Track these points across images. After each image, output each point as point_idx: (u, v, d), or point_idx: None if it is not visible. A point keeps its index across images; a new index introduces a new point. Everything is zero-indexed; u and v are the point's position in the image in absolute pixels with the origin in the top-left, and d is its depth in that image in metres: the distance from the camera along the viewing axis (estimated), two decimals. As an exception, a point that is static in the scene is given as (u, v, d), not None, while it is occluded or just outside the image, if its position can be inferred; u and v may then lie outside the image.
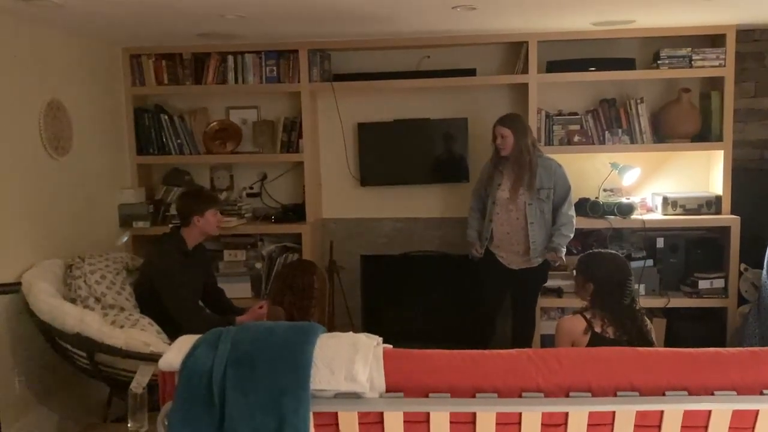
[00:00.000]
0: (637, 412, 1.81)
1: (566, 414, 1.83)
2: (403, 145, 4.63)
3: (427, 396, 1.84)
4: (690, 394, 1.81)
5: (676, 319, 4.35)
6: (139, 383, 2.96)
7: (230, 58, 4.48)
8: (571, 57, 4.35)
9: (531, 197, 3.83)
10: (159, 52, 4.49)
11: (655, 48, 4.30)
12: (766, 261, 3.92)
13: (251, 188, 4.82)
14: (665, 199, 4.32)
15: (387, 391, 1.85)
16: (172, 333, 3.40)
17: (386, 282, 4.86)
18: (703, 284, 4.27)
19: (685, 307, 4.32)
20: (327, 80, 4.51)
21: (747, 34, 4.37)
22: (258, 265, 4.63)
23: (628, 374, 1.84)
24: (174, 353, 1.88)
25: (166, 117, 4.60)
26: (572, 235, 3.91)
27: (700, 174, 4.51)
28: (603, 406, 1.81)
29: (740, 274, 4.23)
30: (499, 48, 4.54)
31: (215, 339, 1.88)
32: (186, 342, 1.92)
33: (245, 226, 4.55)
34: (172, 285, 3.46)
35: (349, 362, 1.84)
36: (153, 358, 2.93)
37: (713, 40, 4.29)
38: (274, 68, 4.47)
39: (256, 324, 1.96)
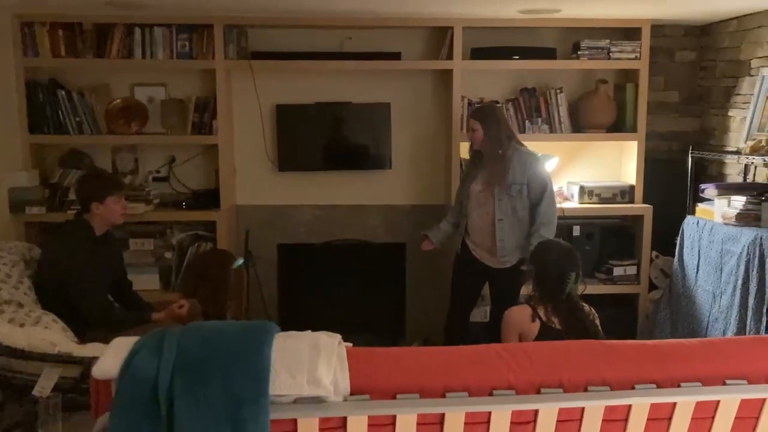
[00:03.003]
0: (606, 406, 1.78)
1: (536, 411, 1.76)
2: (323, 129, 4.46)
3: (394, 397, 1.72)
4: (658, 386, 1.79)
5: (592, 305, 4.43)
6: (44, 387, 2.64)
7: (137, 31, 4.13)
8: (494, 45, 4.32)
9: (501, 193, 3.61)
10: (55, 20, 4.07)
11: (575, 38, 4.35)
12: (677, 249, 4.08)
13: (158, 172, 4.49)
14: (582, 188, 4.41)
15: (352, 393, 1.71)
16: (79, 330, 3.11)
17: (304, 272, 4.68)
18: (617, 271, 4.39)
19: (600, 294, 4.42)
20: (244, 58, 4.25)
21: (658, 30, 4.50)
22: (167, 255, 4.34)
23: (598, 368, 1.80)
24: (110, 359, 1.65)
25: (64, 93, 4.19)
26: (552, 237, 3.58)
27: (613, 164, 4.62)
28: (574, 402, 1.76)
29: (651, 261, 4.39)
30: (425, 32, 4.44)
31: (158, 343, 1.67)
32: (122, 346, 1.70)
33: (153, 213, 4.23)
34: (79, 277, 3.15)
35: (311, 364, 1.68)
36: (61, 359, 2.65)
37: (629, 33, 4.39)
38: (186, 43, 4.18)
39: (205, 325, 1.76)
